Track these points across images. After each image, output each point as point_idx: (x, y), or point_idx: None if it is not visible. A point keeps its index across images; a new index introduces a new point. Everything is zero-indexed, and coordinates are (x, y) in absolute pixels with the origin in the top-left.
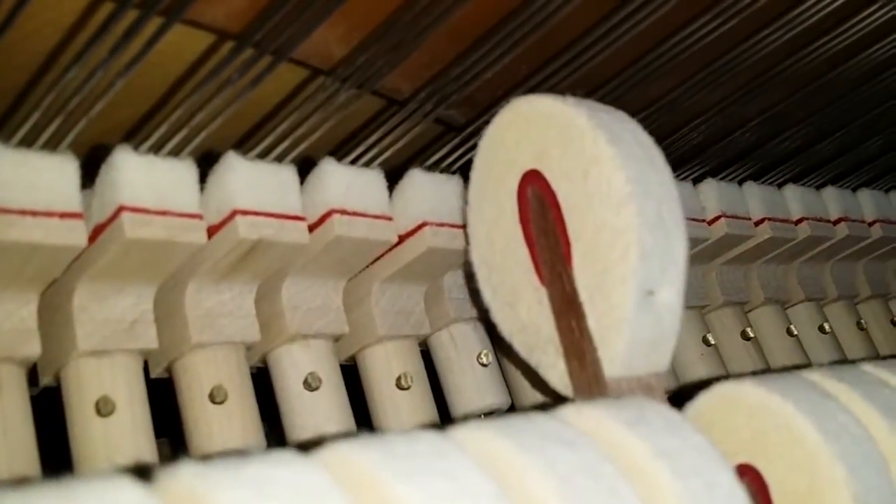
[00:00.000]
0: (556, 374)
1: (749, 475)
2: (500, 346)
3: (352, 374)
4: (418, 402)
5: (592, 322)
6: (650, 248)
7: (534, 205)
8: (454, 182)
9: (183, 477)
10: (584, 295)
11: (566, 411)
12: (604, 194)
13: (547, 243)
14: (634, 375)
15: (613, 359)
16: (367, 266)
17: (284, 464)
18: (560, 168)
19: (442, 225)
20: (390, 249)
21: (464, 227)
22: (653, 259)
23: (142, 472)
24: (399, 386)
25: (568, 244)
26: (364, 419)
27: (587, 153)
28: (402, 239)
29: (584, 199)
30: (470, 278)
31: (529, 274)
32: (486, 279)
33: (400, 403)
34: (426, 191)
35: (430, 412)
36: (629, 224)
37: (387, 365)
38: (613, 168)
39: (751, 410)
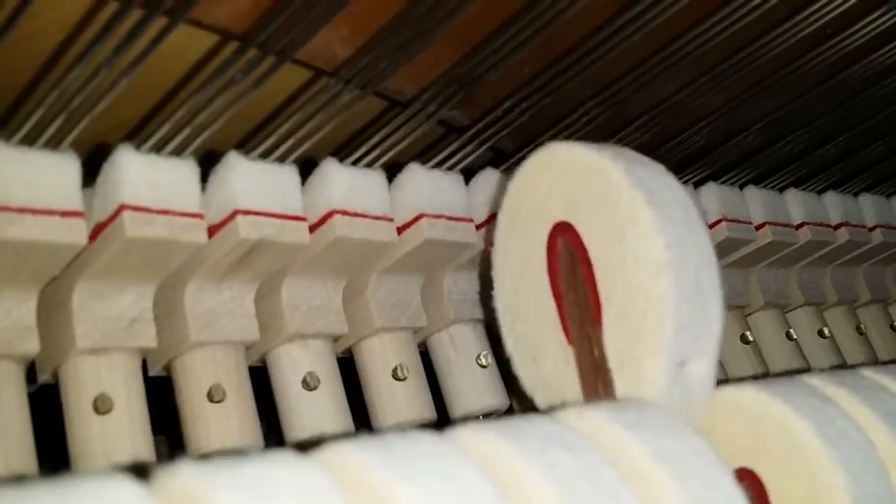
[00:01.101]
0: None
1: (748, 479)
2: (500, 347)
3: (348, 367)
4: (414, 392)
5: (620, 389)
6: (686, 319)
7: (564, 258)
8: (453, 177)
9: (181, 476)
10: (613, 360)
11: (566, 414)
12: (640, 259)
13: (576, 300)
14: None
15: None
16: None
17: (283, 464)
18: (593, 223)
19: (439, 217)
20: None
21: (462, 219)
22: (688, 330)
23: (139, 471)
24: (395, 377)
25: (598, 304)
26: (361, 410)
27: (623, 212)
28: (399, 231)
29: (617, 259)
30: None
31: (556, 330)
32: (510, 328)
33: (396, 394)
34: (424, 184)
35: (427, 403)
36: (665, 294)
37: (383, 356)
38: (651, 233)
39: (751, 414)
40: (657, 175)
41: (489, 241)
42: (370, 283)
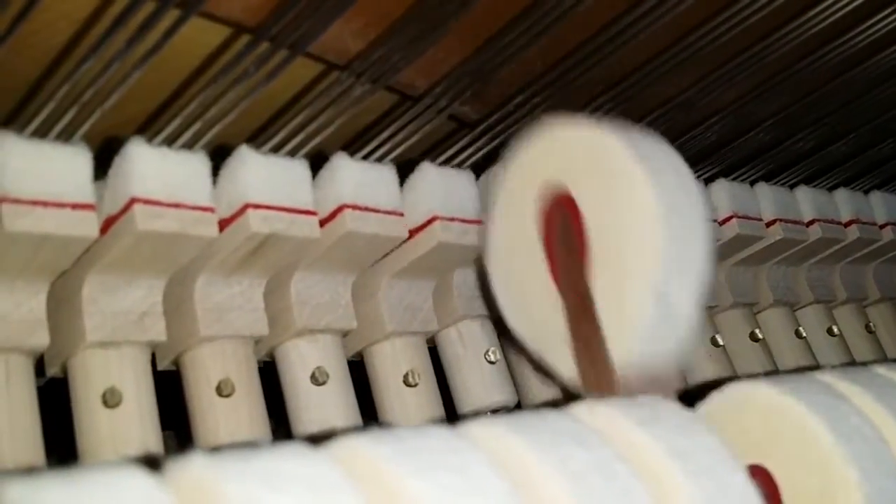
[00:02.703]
0: (569, 370)
1: (760, 476)
2: (509, 343)
3: (359, 371)
4: (425, 399)
5: (606, 324)
6: (669, 253)
7: (559, 223)
8: (465, 176)
9: (192, 468)
10: (599, 298)
11: (578, 409)
12: (631, 207)
13: (567, 251)
14: (646, 374)
15: (626, 358)
16: (377, 261)
17: (294, 456)
18: (587, 184)
19: (453, 220)
20: (400, 244)
21: (474, 222)
22: (671, 262)
23: (150, 463)
24: (406, 383)
25: (589, 258)
26: (370, 416)
27: (616, 168)
28: (412, 234)
29: (609, 212)
30: (483, 278)
31: (547, 281)
32: (504, 285)
33: (407, 400)
34: (437, 185)
35: (437, 409)
36: (654, 234)
37: (394, 361)
38: (642, 182)
39: (764, 411)
40: (650, 140)
41: (484, 198)
42: (382, 287)
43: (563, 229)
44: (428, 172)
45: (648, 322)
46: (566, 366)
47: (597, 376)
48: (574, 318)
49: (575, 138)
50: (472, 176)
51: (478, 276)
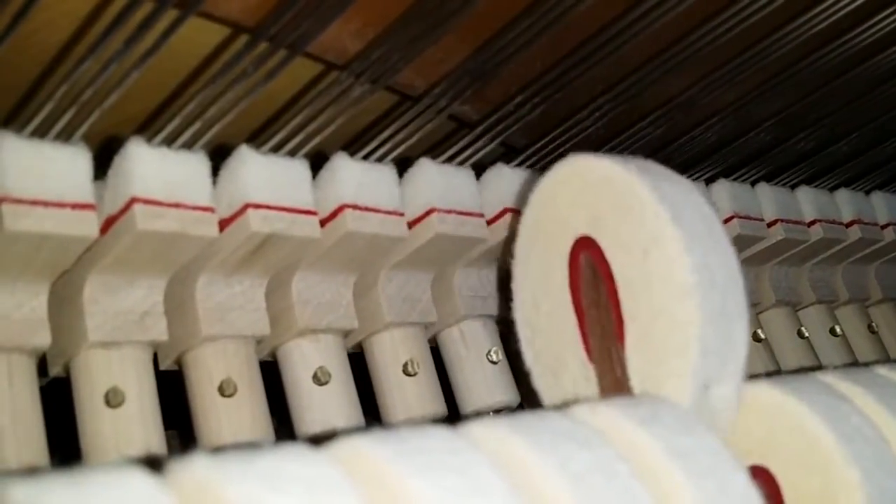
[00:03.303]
0: None
1: (762, 477)
2: (510, 343)
3: (359, 363)
4: (425, 388)
5: None
6: (711, 342)
7: (586, 274)
8: (464, 172)
9: (194, 469)
10: (635, 381)
11: (579, 410)
12: (665, 279)
13: (598, 316)
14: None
15: None
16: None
17: (296, 457)
18: (617, 239)
19: (450, 212)
20: None
21: (472, 214)
22: (713, 354)
23: (152, 464)
24: (406, 372)
25: (621, 322)
26: (371, 406)
27: (648, 229)
28: (410, 226)
29: (642, 277)
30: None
31: (577, 346)
32: (529, 342)
33: (407, 389)
34: (435, 179)
35: (437, 398)
36: (691, 318)
37: (393, 351)
38: (677, 252)
39: (765, 411)
40: (682, 190)
41: (510, 236)
42: (380, 278)
43: (593, 284)
44: (426, 167)
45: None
46: None
47: None
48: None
49: (602, 180)
50: (470, 172)
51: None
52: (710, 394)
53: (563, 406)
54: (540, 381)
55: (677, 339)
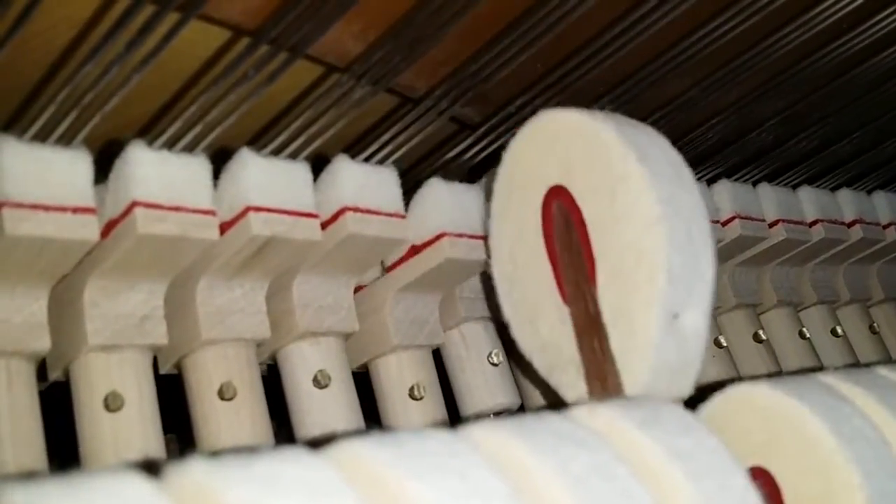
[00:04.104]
0: (576, 394)
1: (762, 478)
2: (511, 346)
3: (364, 383)
4: (430, 412)
5: (615, 344)
6: (678, 270)
7: (558, 221)
8: (474, 191)
9: (192, 472)
10: (607, 316)
11: (579, 411)
12: (632, 214)
13: (571, 261)
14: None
15: (636, 382)
16: (383, 274)
17: (295, 460)
18: (586, 185)
19: (461, 236)
20: (407, 259)
21: (483, 237)
22: (680, 281)
23: (150, 468)
24: (412, 396)
25: (593, 263)
26: (374, 426)
27: (615, 171)
28: (419, 248)
29: (610, 217)
30: (486, 281)
31: (552, 292)
32: (507, 295)
33: (412, 413)
34: (445, 200)
35: (442, 423)
36: (657, 245)
37: (399, 374)
38: (643, 187)
39: (765, 413)
40: (648, 135)
41: (486, 195)
42: (388, 300)
43: (565, 231)
44: (436, 187)
45: (660, 344)
46: (574, 388)
47: (606, 395)
48: (584, 337)
49: (570, 131)
50: (480, 191)
51: (482, 280)
52: (679, 322)
53: (561, 408)
54: (518, 331)
55: (645, 269)
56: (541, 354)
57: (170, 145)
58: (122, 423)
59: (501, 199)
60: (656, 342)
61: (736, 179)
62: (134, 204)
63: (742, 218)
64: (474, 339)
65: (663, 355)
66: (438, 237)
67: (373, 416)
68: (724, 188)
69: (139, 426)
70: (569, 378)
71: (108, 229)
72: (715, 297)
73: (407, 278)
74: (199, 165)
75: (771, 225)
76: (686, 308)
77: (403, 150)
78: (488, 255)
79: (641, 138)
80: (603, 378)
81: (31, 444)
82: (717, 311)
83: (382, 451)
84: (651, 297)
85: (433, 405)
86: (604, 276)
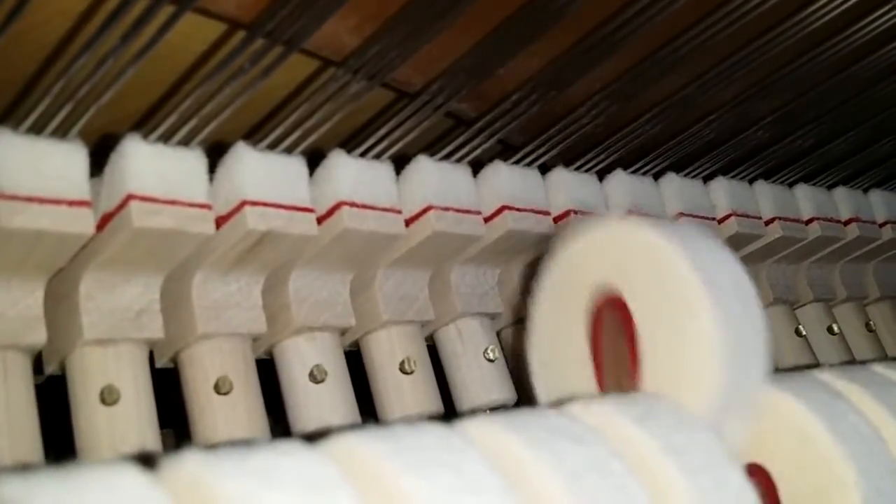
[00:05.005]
0: None
1: (758, 475)
2: (507, 341)
3: (355, 361)
4: (421, 386)
5: None
6: (727, 388)
7: (610, 331)
8: (461, 169)
9: (188, 465)
10: None
11: (574, 407)
12: (691, 335)
13: (616, 361)
14: None
15: None
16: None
17: (290, 453)
18: (644, 299)
19: (447, 209)
20: None
21: (470, 211)
22: (727, 397)
23: (146, 461)
24: (402, 370)
25: (638, 370)
26: (367, 404)
27: (678, 293)
28: (407, 223)
29: (664, 329)
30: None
31: (589, 386)
32: (540, 377)
33: (403, 388)
34: (432, 176)
35: (434, 396)
36: (712, 366)
37: (390, 349)
38: (706, 313)
39: (762, 409)
40: (712, 250)
41: (528, 279)
42: (378, 277)
43: (614, 336)
44: (423, 164)
45: None
46: None
47: None
48: None
49: (632, 238)
50: (468, 169)
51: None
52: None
53: (558, 403)
54: None
55: (695, 385)
56: None
57: (165, 139)
58: (118, 416)
59: (547, 287)
60: None
61: (732, 177)
62: (129, 197)
63: (738, 215)
64: (470, 334)
65: None
66: (425, 210)
67: (366, 394)
68: (720, 185)
69: (135, 420)
70: None
71: (103, 222)
72: None
73: (395, 254)
74: (194, 159)
75: (767, 223)
76: (729, 420)
77: (400, 145)
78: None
79: (705, 253)
80: None
81: (27, 438)
82: None
83: (378, 445)
84: (695, 409)
85: (424, 379)
86: (651, 387)
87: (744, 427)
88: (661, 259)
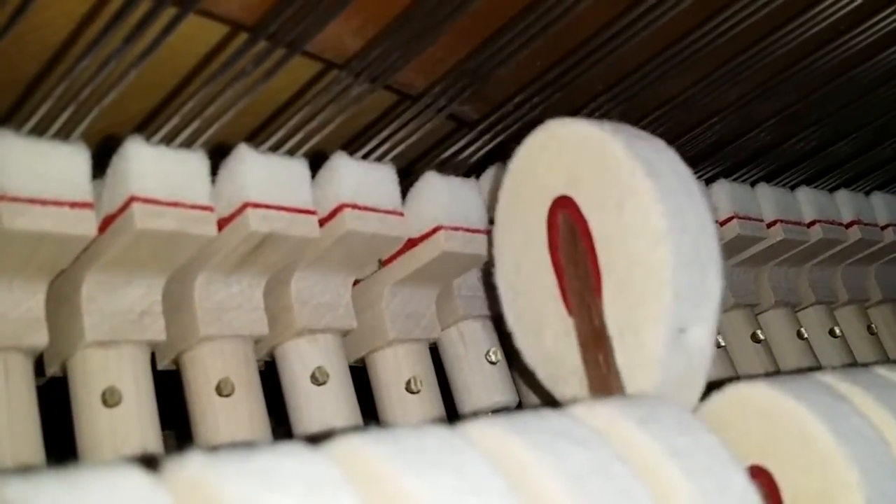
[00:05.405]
0: None
1: (760, 477)
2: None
3: (361, 377)
4: (427, 406)
5: (621, 357)
6: (685, 286)
7: (564, 232)
8: (470, 185)
9: (190, 467)
10: (613, 329)
11: (577, 409)
12: (639, 228)
13: (576, 272)
14: None
15: (640, 391)
16: (380, 268)
17: (292, 455)
18: (593, 196)
19: (457, 229)
20: (403, 252)
21: (479, 231)
22: (687, 297)
23: (148, 463)
24: (409, 389)
25: (598, 275)
26: (372, 422)
27: (623, 184)
28: (415, 242)
29: (617, 230)
30: (486, 276)
31: (557, 303)
32: (511, 304)
33: (409, 407)
34: (442, 193)
35: (439, 416)
36: (664, 261)
37: (396, 368)
38: (650, 202)
39: (764, 412)
40: (656, 148)
41: (490, 202)
42: (384, 294)
43: (571, 242)
44: (432, 181)
45: (665, 359)
46: (578, 397)
47: None
48: (588, 350)
49: (578, 142)
50: (476, 184)
51: (483, 277)
52: (685, 337)
53: (560, 406)
54: (522, 341)
55: (651, 284)
56: (544, 365)
57: (168, 141)
58: (120, 418)
59: (506, 207)
60: (662, 357)
61: (734, 179)
62: (131, 199)
63: (740, 218)
64: (473, 337)
65: (669, 370)
66: (434, 230)
67: (370, 411)
68: (722, 188)
69: (137, 422)
70: (572, 390)
71: (105, 224)
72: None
73: (403, 272)
74: (197, 161)
75: (769, 225)
76: (692, 323)
77: (402, 147)
78: (491, 263)
79: (650, 152)
80: (607, 391)
81: (28, 440)
82: None
83: (380, 447)
84: (657, 313)
85: (430, 398)
86: (610, 289)
87: (711, 336)
88: (600, 151)
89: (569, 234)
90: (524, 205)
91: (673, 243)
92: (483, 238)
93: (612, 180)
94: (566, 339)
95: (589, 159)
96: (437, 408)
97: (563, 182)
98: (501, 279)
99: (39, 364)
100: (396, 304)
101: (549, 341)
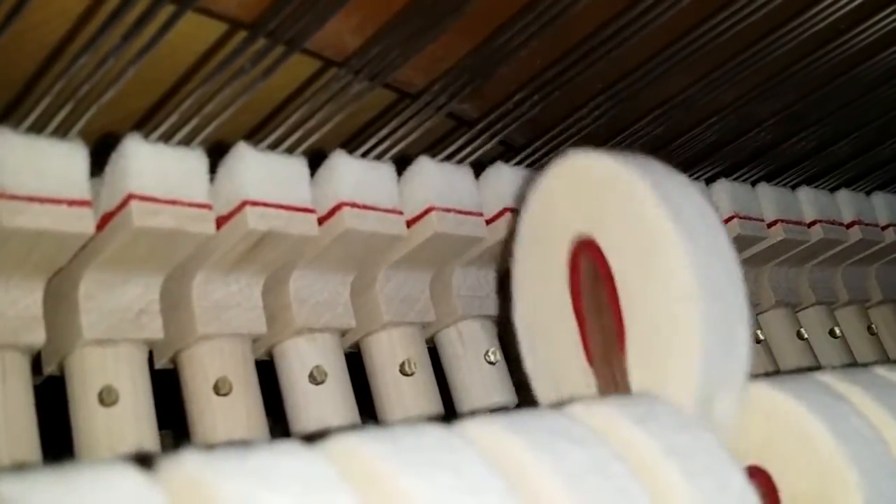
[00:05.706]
0: None
1: (759, 477)
2: (508, 344)
3: (356, 362)
4: (422, 388)
5: None
6: (714, 351)
7: (586, 278)
8: (463, 170)
9: (186, 465)
10: (636, 388)
11: (575, 408)
12: (666, 283)
13: (599, 322)
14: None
15: None
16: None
17: (289, 454)
18: (618, 240)
19: (449, 210)
20: None
21: (471, 213)
22: (715, 364)
23: (144, 461)
24: (403, 372)
25: (622, 326)
26: (367, 405)
27: (649, 231)
28: (409, 224)
29: (642, 279)
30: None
31: (577, 352)
32: (530, 348)
33: (403, 389)
34: (434, 177)
35: (434, 398)
36: (692, 324)
37: (391, 351)
38: (678, 257)
39: (763, 411)
40: (683, 190)
41: (509, 236)
42: (378, 278)
43: (593, 290)
44: (424, 165)
45: None
46: None
47: None
48: None
49: (602, 180)
50: (469, 170)
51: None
52: (711, 407)
53: (558, 405)
54: (540, 387)
55: (679, 345)
56: None
57: (166, 139)
58: (117, 417)
59: (526, 244)
60: None
61: (734, 179)
62: (129, 197)
63: (741, 218)
64: (471, 337)
65: None
66: (427, 211)
67: (366, 397)
68: (722, 188)
69: (134, 421)
70: None
71: (103, 222)
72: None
73: (397, 255)
74: (195, 159)
75: (770, 225)
76: (720, 390)
77: (401, 145)
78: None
79: (677, 195)
80: None
81: (25, 438)
82: None
83: (377, 445)
84: (685, 382)
85: (424, 381)
86: (633, 344)
87: (735, 402)
88: (624, 192)
89: (592, 279)
90: (544, 243)
91: (701, 305)
92: (476, 220)
93: (637, 226)
94: (586, 391)
95: (612, 199)
96: (432, 390)
97: (585, 221)
98: (520, 320)
99: (37, 362)
100: (391, 288)
101: (568, 392)
